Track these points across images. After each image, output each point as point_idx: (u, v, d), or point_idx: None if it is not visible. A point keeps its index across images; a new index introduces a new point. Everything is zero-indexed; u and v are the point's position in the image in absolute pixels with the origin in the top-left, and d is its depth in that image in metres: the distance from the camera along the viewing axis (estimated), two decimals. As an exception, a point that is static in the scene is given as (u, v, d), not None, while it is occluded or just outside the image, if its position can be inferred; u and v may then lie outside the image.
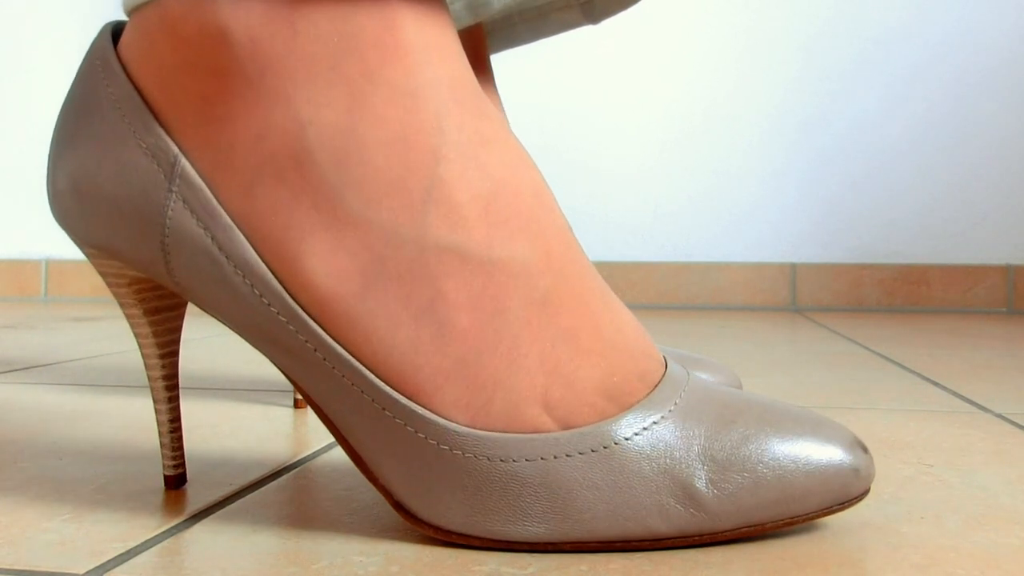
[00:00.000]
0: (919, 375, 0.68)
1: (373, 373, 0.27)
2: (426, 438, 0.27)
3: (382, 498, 0.33)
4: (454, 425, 0.27)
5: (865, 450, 0.29)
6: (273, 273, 0.28)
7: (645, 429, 0.27)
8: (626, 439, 0.27)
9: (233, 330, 0.30)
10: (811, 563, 0.27)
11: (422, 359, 0.27)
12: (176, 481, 0.34)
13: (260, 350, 0.29)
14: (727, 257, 1.45)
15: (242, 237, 0.28)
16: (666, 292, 1.45)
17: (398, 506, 0.29)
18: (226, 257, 0.28)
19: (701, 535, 0.27)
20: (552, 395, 0.27)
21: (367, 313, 0.27)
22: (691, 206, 1.46)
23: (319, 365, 0.28)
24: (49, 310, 1.37)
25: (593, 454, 0.27)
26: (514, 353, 0.27)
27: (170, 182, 0.28)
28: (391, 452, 0.28)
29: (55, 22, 1.66)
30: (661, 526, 0.27)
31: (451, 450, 0.27)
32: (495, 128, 0.29)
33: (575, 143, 1.49)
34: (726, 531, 0.27)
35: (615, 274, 1.46)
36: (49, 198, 0.32)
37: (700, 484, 0.27)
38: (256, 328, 0.28)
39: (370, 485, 0.35)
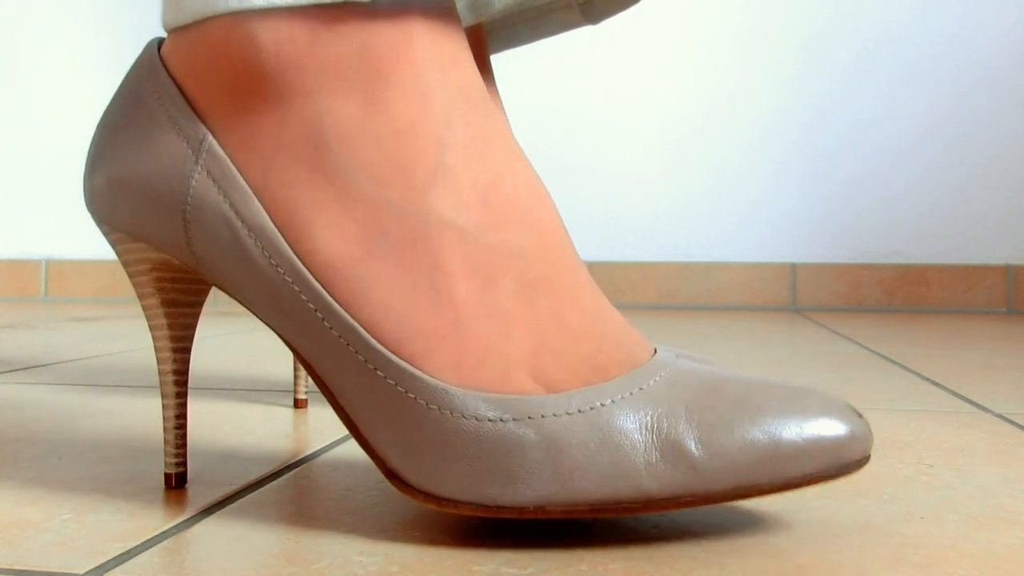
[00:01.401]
0: (919, 375, 0.68)
1: (370, 335, 0.29)
2: (416, 398, 0.28)
3: (382, 498, 0.33)
4: (444, 384, 0.28)
5: (860, 415, 0.28)
6: (284, 239, 0.30)
7: (631, 394, 0.28)
8: (612, 401, 0.28)
9: (243, 303, 0.31)
10: (811, 564, 0.27)
11: (417, 323, 0.28)
12: (177, 480, 0.35)
13: (267, 321, 0.31)
14: (727, 257, 1.45)
15: (259, 204, 0.30)
16: (666, 292, 1.45)
17: (391, 475, 0.29)
18: (242, 222, 0.30)
19: (694, 496, 0.27)
20: (540, 363, 0.28)
21: (368, 277, 0.29)
22: (691, 206, 1.46)
23: (320, 328, 0.29)
24: (49, 310, 1.37)
25: (580, 414, 0.27)
26: (505, 324, 0.28)
27: (197, 156, 0.31)
28: (384, 416, 0.29)
29: (57, 25, 1.66)
30: (652, 486, 0.27)
31: (440, 410, 0.28)
32: (499, 128, 0.31)
33: (576, 144, 1.49)
34: (719, 492, 0.27)
35: (615, 274, 1.46)
36: (84, 182, 0.34)
37: (690, 443, 0.27)
38: (265, 295, 0.30)
39: (371, 485, 0.35)
